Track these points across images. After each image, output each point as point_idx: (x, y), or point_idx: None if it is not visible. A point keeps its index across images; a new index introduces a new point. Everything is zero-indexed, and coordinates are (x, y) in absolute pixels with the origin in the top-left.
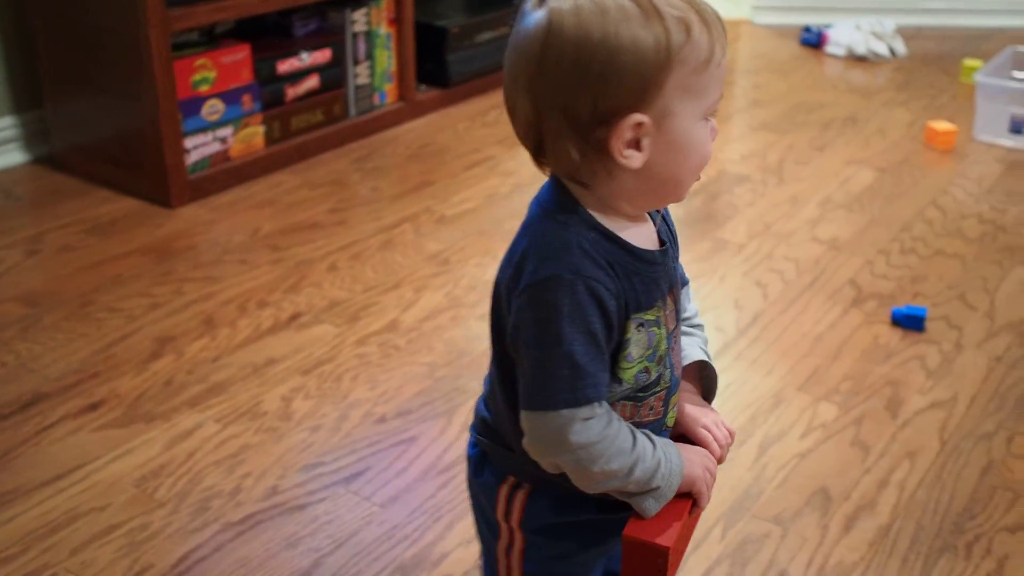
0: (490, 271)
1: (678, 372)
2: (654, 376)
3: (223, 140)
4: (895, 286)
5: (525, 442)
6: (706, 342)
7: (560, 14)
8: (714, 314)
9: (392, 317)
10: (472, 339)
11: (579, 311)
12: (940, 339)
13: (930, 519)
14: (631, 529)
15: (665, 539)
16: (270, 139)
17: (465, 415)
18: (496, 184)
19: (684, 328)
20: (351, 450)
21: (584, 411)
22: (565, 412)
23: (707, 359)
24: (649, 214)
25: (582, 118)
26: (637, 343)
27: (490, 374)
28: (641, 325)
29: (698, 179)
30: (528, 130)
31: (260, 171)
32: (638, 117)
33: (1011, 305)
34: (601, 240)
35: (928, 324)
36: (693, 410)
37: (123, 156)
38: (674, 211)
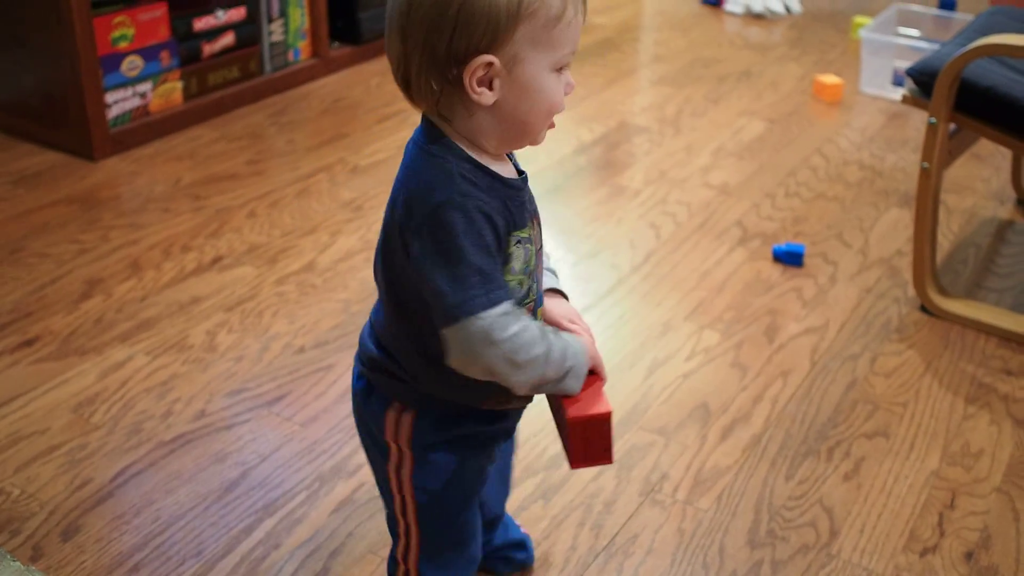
0: None
1: (542, 288)
2: (525, 288)
3: (143, 95)
4: (778, 227)
5: (452, 359)
6: (557, 278)
7: None
8: (610, 252)
9: (309, 259)
10: None
11: (473, 228)
12: (817, 273)
13: (798, 428)
14: (572, 412)
15: (603, 407)
16: (188, 94)
17: None
18: (406, 136)
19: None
20: (273, 377)
21: (500, 308)
22: (484, 314)
23: (559, 287)
24: (510, 158)
25: (440, 54)
26: (517, 257)
27: (377, 316)
28: (519, 242)
29: (552, 126)
30: (398, 66)
31: (179, 125)
32: (488, 58)
33: (883, 242)
34: (473, 169)
35: (806, 260)
36: (557, 309)
37: (46, 111)
38: (576, 160)
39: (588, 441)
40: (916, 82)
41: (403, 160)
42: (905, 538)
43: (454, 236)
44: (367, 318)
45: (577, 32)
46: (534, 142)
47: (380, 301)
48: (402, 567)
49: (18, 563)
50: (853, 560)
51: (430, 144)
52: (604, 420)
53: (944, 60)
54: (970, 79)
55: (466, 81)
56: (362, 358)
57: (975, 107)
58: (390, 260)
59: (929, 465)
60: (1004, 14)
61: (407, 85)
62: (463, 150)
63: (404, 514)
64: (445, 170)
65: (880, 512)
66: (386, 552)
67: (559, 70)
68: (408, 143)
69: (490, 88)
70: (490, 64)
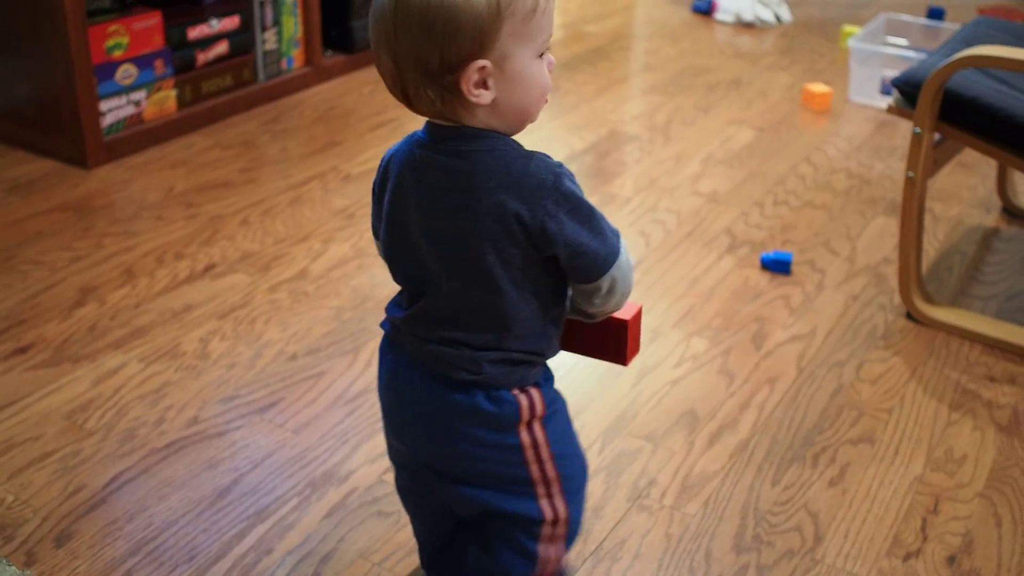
0: None
1: None
2: None
3: (137, 103)
4: (766, 234)
5: (611, 300)
6: None
7: None
8: None
9: (302, 266)
10: (376, 285)
11: (576, 183)
12: (804, 281)
13: (784, 434)
14: (623, 315)
15: (635, 303)
16: (182, 102)
17: (369, 353)
18: None
19: None
20: (265, 384)
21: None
22: (622, 248)
23: None
24: None
25: (433, 68)
26: None
27: (468, 337)
28: None
29: (545, 102)
30: (394, 83)
31: (173, 133)
32: (480, 62)
33: (870, 250)
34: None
35: (794, 268)
36: None
37: (40, 119)
38: (570, 167)
39: (634, 337)
40: (901, 92)
41: (487, 172)
42: (889, 543)
43: (579, 198)
44: (358, 325)
45: (551, 17)
46: (532, 121)
47: (463, 323)
48: (554, 547)
49: (14, 567)
50: (837, 565)
51: (482, 142)
52: (640, 313)
53: (928, 71)
54: (954, 89)
55: (463, 88)
56: (470, 380)
57: (959, 117)
58: (504, 262)
59: (913, 471)
60: (989, 25)
61: (407, 99)
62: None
63: (549, 489)
64: (520, 152)
65: (864, 517)
66: (378, 556)
67: (541, 55)
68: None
69: (486, 88)
70: (483, 67)
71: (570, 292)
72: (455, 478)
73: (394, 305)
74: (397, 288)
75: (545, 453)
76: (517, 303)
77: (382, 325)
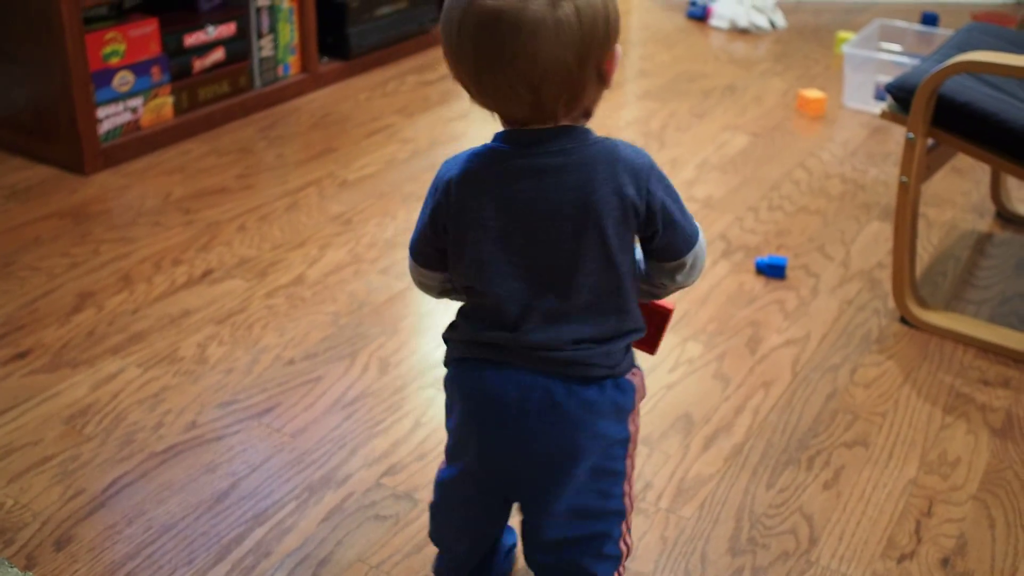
0: (389, 231)
1: None
2: None
3: (134, 110)
4: (761, 239)
5: (693, 274)
6: None
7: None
8: None
9: (298, 272)
10: (372, 291)
11: None
12: (799, 285)
13: (779, 438)
14: (664, 305)
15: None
16: (179, 109)
17: (366, 358)
18: (395, 150)
19: None
20: (263, 389)
21: None
22: (700, 228)
23: None
24: None
25: (601, 60)
26: None
27: (583, 328)
28: None
29: None
30: (564, 87)
31: (170, 139)
32: (618, 47)
33: (864, 255)
34: None
35: (788, 272)
36: None
37: (37, 126)
38: None
39: (664, 329)
40: (895, 98)
41: (592, 164)
42: (883, 545)
43: (669, 179)
44: (355, 330)
45: None
46: None
47: (561, 307)
48: (627, 540)
49: (15, 569)
50: (832, 567)
51: (583, 136)
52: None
53: (921, 77)
54: (947, 95)
55: (608, 72)
56: (608, 374)
57: (952, 122)
58: (621, 246)
59: (907, 473)
60: (981, 31)
61: (574, 103)
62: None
63: (632, 484)
64: (609, 139)
65: (859, 519)
66: (375, 560)
67: None
68: (592, 158)
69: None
70: (615, 52)
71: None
72: (556, 490)
73: (480, 326)
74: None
75: (633, 447)
76: (629, 282)
77: (454, 354)
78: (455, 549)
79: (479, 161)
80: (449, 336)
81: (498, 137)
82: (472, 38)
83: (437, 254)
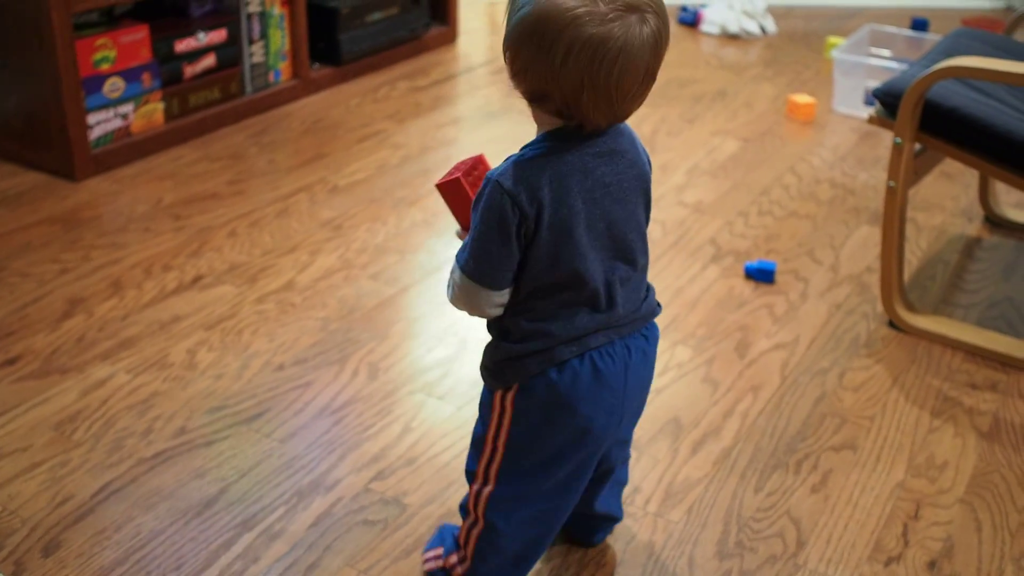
0: (380, 236)
1: None
2: None
3: (124, 116)
4: (751, 244)
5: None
6: None
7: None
8: None
9: (289, 278)
10: (362, 296)
11: None
12: (788, 290)
13: (767, 442)
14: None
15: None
16: (169, 115)
17: (355, 363)
18: (386, 156)
19: None
20: (252, 394)
21: None
22: None
23: None
24: None
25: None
26: None
27: (638, 284)
28: None
29: None
30: (646, 94)
31: (161, 146)
32: None
33: (853, 259)
34: None
35: (778, 277)
36: None
37: (28, 132)
38: None
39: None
40: (882, 103)
41: (631, 140)
42: (870, 548)
43: None
44: (344, 336)
45: None
46: None
47: (629, 272)
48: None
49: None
50: (819, 570)
51: (620, 127)
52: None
53: (909, 82)
54: (934, 100)
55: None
56: (653, 321)
57: (940, 127)
58: (645, 215)
59: (895, 477)
60: (969, 36)
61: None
62: None
63: None
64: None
65: (846, 523)
66: (364, 564)
67: None
68: (626, 133)
69: None
70: None
71: None
72: (635, 421)
73: (578, 321)
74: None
75: None
76: (645, 254)
77: (544, 364)
78: (553, 524)
79: (551, 163)
80: (535, 348)
81: (552, 136)
82: (584, 63)
83: (513, 271)
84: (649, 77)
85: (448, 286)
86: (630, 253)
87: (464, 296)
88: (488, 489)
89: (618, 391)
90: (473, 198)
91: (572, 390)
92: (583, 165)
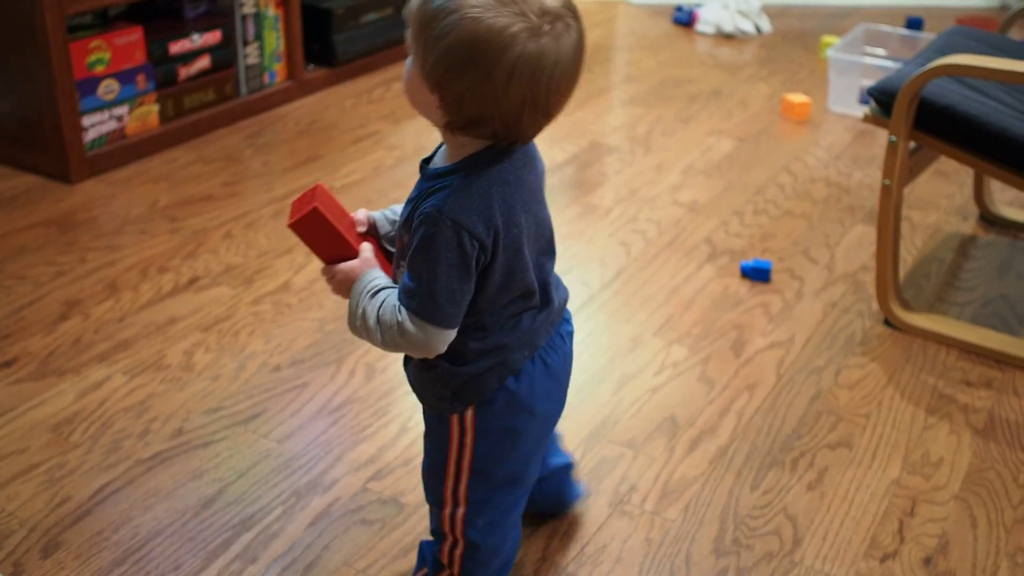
0: None
1: None
2: None
3: (119, 118)
4: (746, 243)
5: None
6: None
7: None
8: (581, 270)
9: (284, 279)
10: None
11: None
12: (783, 288)
13: (763, 440)
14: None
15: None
16: (164, 117)
17: (352, 364)
18: (381, 157)
19: None
20: (249, 395)
21: None
22: None
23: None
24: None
25: None
26: None
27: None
28: None
29: None
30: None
31: (155, 147)
32: None
33: (848, 258)
34: None
35: (773, 276)
36: None
37: (22, 135)
38: (548, 179)
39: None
40: (877, 101)
41: (533, 149)
42: (866, 545)
43: None
44: (341, 336)
45: None
46: None
47: (552, 264)
48: None
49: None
50: (815, 567)
51: None
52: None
53: (903, 80)
54: (929, 98)
55: None
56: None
57: (934, 126)
58: None
59: (890, 474)
60: (963, 34)
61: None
62: None
63: None
64: None
65: (842, 520)
66: (362, 564)
67: None
68: (528, 164)
69: None
70: None
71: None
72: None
73: (529, 326)
74: None
75: None
76: None
77: (504, 373)
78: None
79: (494, 185)
80: (492, 363)
81: (482, 158)
82: (526, 82)
83: (466, 304)
84: (576, 84)
85: (375, 331)
86: (552, 246)
87: (415, 342)
88: (461, 511)
89: (563, 380)
90: (335, 225)
91: (530, 393)
92: (517, 179)
